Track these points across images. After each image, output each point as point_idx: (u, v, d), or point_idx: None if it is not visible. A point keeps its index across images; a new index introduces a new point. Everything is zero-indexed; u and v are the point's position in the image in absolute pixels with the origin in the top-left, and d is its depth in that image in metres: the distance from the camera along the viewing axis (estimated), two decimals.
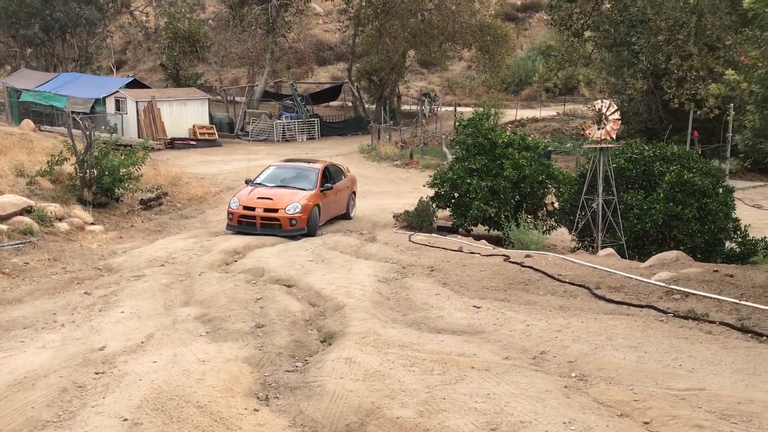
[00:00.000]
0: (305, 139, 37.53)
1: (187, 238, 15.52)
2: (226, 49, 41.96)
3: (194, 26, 41.70)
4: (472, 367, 7.42)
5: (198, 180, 23.56)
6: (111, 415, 6.43)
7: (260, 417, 6.54)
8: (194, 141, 33.51)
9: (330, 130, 39.44)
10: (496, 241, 15.66)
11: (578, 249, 15.20)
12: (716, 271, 10.94)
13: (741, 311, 8.98)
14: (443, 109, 41.71)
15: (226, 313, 9.71)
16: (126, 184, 18.37)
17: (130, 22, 55.36)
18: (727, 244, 14.56)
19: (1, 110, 39.18)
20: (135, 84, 36.93)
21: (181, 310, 10.05)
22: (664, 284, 10.32)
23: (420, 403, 6.60)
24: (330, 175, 17.43)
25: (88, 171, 18.00)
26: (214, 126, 35.25)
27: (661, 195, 14.01)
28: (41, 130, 30.63)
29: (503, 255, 13.04)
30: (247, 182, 17.13)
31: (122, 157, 18.50)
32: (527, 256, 12.81)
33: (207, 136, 34.12)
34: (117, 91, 34.22)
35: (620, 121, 14.88)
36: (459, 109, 38.29)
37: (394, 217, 17.36)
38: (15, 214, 15.26)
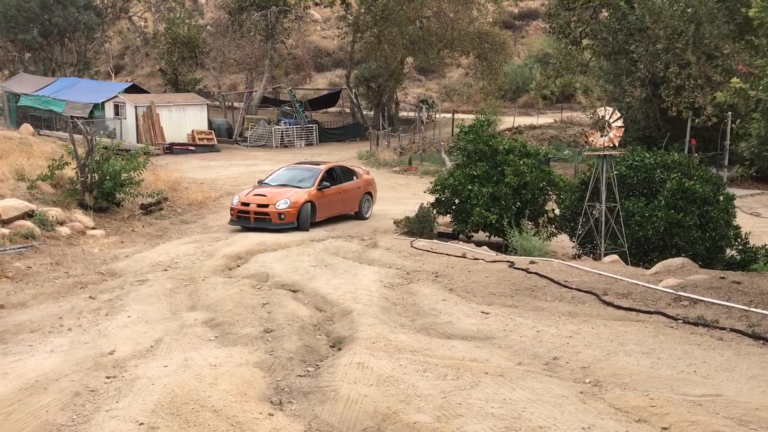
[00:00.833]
0: (303, 145, 37.45)
1: (189, 243, 15.49)
2: (224, 54, 41.94)
3: (193, 32, 41.72)
4: (486, 373, 7.40)
5: (198, 185, 23.48)
6: (126, 420, 6.38)
7: (275, 422, 6.50)
8: (193, 146, 33.41)
9: (328, 136, 39.40)
10: (498, 248, 15.65)
11: (581, 256, 15.20)
12: (723, 278, 10.92)
13: (751, 318, 8.97)
14: (441, 115, 41.74)
15: (234, 317, 9.67)
16: (127, 189, 18.32)
17: (128, 28, 55.31)
18: (728, 251, 14.59)
19: None
20: (134, 89, 36.78)
21: (188, 315, 10.02)
22: (672, 291, 10.31)
23: (436, 408, 6.57)
24: (336, 175, 18.43)
25: (89, 175, 17.94)
26: (212, 131, 35.18)
27: (663, 202, 14.02)
28: (40, 135, 30.56)
29: (508, 261, 13.03)
30: (259, 182, 18.72)
31: (123, 162, 18.47)
32: (532, 262, 12.80)
33: (206, 142, 34.03)
34: (116, 96, 34.07)
35: (623, 129, 14.92)
36: (457, 116, 38.37)
37: (394, 223, 17.35)
38: (16, 218, 15.23)
